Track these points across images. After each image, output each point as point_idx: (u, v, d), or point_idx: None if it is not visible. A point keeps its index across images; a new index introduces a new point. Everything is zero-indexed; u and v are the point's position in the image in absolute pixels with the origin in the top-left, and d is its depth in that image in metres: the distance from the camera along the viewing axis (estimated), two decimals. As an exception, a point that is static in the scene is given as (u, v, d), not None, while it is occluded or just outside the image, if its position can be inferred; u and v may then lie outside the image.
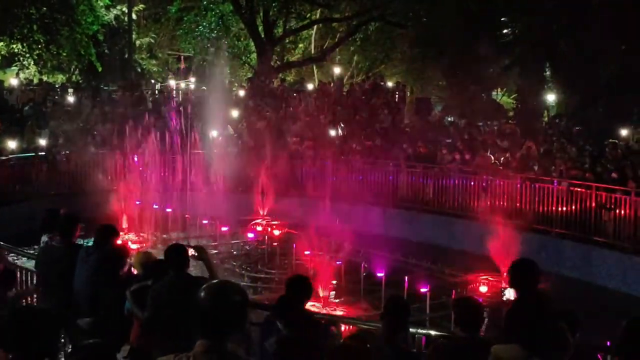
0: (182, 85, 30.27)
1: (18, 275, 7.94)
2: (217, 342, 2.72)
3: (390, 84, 27.22)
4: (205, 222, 16.35)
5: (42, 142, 18.60)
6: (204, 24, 31.37)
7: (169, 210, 16.60)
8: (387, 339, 5.06)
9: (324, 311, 11.25)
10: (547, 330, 4.47)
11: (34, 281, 7.97)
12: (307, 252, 13.52)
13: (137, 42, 34.01)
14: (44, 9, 26.77)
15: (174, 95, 24.95)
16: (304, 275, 6.23)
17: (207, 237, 15.98)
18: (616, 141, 17.78)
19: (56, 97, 22.60)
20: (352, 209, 16.60)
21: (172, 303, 5.57)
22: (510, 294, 6.73)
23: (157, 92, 25.92)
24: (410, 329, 6.14)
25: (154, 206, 16.60)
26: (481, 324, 5.06)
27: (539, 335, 4.42)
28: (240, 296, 2.78)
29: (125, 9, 31.06)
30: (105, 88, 25.64)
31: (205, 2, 31.35)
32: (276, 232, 16.29)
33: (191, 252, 6.04)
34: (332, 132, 20.27)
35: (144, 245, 15.13)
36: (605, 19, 21.44)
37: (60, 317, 5.98)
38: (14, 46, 27.29)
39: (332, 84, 26.06)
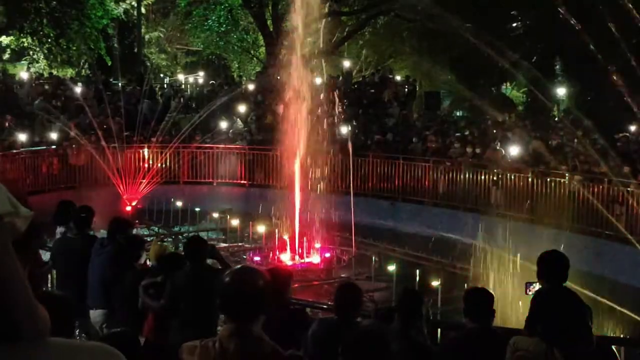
0: (191, 79, 30.29)
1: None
2: (243, 326, 2.76)
3: (399, 77, 27.14)
4: (215, 215, 16.39)
5: (53, 135, 18.66)
6: (213, 17, 31.34)
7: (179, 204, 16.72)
8: (401, 331, 5.05)
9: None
10: (571, 325, 4.44)
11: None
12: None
13: (146, 36, 34.05)
14: (54, 3, 26.86)
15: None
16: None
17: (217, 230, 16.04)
18: (627, 134, 17.71)
19: (67, 91, 22.61)
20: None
21: (192, 292, 5.62)
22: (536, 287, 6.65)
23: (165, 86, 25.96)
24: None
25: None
26: (492, 314, 5.03)
27: (562, 329, 4.39)
28: (263, 281, 2.84)
29: (134, 3, 31.07)
30: (115, 82, 25.69)
31: (214, -4, 31.34)
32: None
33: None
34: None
35: (157, 237, 15.18)
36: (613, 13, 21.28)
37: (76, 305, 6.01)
38: (24, 40, 27.37)
39: (340, 78, 26.00)
